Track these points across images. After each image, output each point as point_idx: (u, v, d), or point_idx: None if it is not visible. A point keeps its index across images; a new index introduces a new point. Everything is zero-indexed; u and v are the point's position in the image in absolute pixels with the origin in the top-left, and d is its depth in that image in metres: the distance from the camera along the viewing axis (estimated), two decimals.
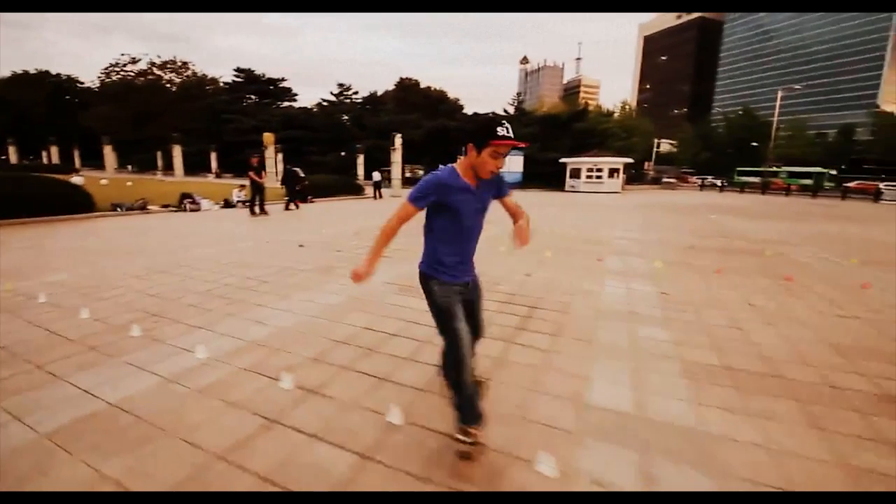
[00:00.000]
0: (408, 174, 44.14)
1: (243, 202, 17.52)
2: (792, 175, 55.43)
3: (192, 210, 16.30)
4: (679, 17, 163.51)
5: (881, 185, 41.76)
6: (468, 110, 62.91)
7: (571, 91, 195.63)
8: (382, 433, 2.79)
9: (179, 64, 73.67)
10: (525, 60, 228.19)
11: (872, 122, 71.71)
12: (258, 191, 15.01)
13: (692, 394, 3.43)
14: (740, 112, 79.35)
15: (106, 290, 5.84)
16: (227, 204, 18.24)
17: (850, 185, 46.68)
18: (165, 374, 3.50)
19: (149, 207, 15.72)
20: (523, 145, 2.52)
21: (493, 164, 2.36)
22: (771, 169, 58.09)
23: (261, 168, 15.03)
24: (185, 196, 16.68)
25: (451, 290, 2.56)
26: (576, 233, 12.55)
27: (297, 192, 18.72)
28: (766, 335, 4.73)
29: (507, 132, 2.30)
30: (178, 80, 72.81)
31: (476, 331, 2.83)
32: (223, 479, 2.35)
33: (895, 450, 2.77)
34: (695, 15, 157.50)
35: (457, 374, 2.52)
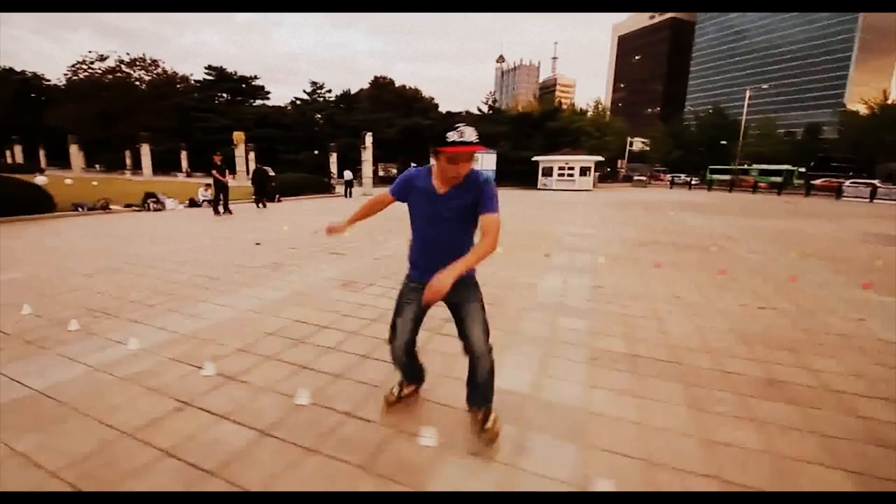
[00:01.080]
0: (381, 173, 44.33)
1: (209, 201, 17.52)
2: (763, 173, 56.66)
3: (155, 210, 16.26)
4: (652, 17, 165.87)
5: (847, 183, 43.17)
6: (445, 108, 63.25)
7: (547, 90, 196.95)
8: (286, 413, 3.03)
9: (149, 62, 72.70)
10: (501, 59, 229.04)
11: (839, 120, 73.04)
12: (222, 190, 15.08)
13: (588, 377, 3.72)
14: (711, 111, 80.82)
15: (53, 287, 5.96)
16: (193, 203, 18.22)
17: (816, 182, 47.98)
18: (94, 363, 3.69)
19: (111, 207, 15.65)
20: (475, 150, 2.31)
21: (451, 171, 2.33)
22: (742, 167, 59.44)
23: (224, 167, 15.08)
24: (148, 195, 16.63)
25: (408, 286, 2.70)
26: (534, 229, 12.90)
27: (265, 191, 18.92)
28: (681, 325, 5.03)
29: (460, 137, 2.24)
30: (147, 78, 71.79)
31: (467, 346, 2.67)
32: (127, 452, 2.57)
33: (757, 425, 3.05)
34: (667, 15, 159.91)
35: (390, 353, 2.90)
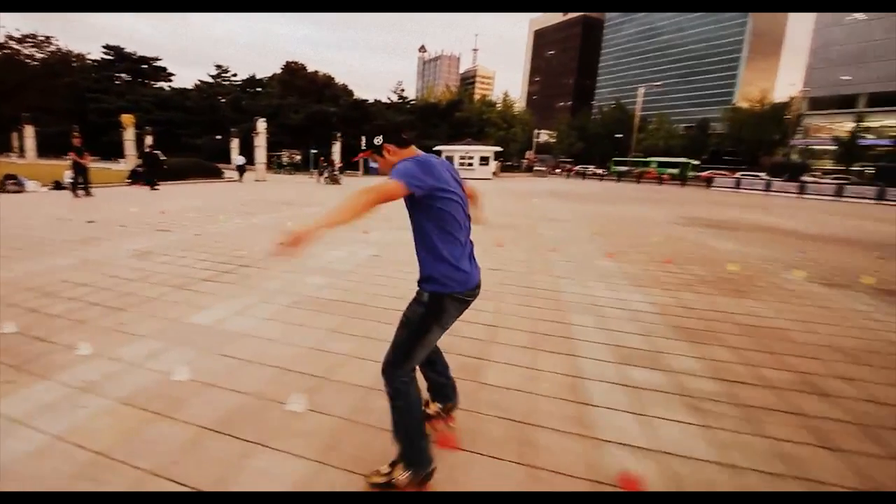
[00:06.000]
0: (286, 159, 44.13)
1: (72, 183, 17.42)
2: (662, 165, 60.88)
3: (14, 191, 16.04)
4: (565, 14, 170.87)
5: (738, 174, 49.66)
6: (365, 97, 63.19)
7: (469, 81, 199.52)
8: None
9: (42, 38, 68.27)
10: (423, 49, 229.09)
11: (727, 117, 78.63)
12: (81, 172, 15.18)
13: (274, 314, 4.72)
14: (613, 106, 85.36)
15: None
16: (59, 185, 18.00)
17: (703, 174, 52.61)
18: None
19: None
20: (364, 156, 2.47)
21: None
22: (644, 159, 63.62)
23: (83, 149, 15.17)
24: (8, 177, 16.35)
25: None
26: (386, 212, 13.88)
27: (142, 174, 19.20)
28: (406, 283, 5.99)
29: None
30: (39, 56, 67.45)
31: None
32: None
33: (363, 341, 4.11)
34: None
35: None
